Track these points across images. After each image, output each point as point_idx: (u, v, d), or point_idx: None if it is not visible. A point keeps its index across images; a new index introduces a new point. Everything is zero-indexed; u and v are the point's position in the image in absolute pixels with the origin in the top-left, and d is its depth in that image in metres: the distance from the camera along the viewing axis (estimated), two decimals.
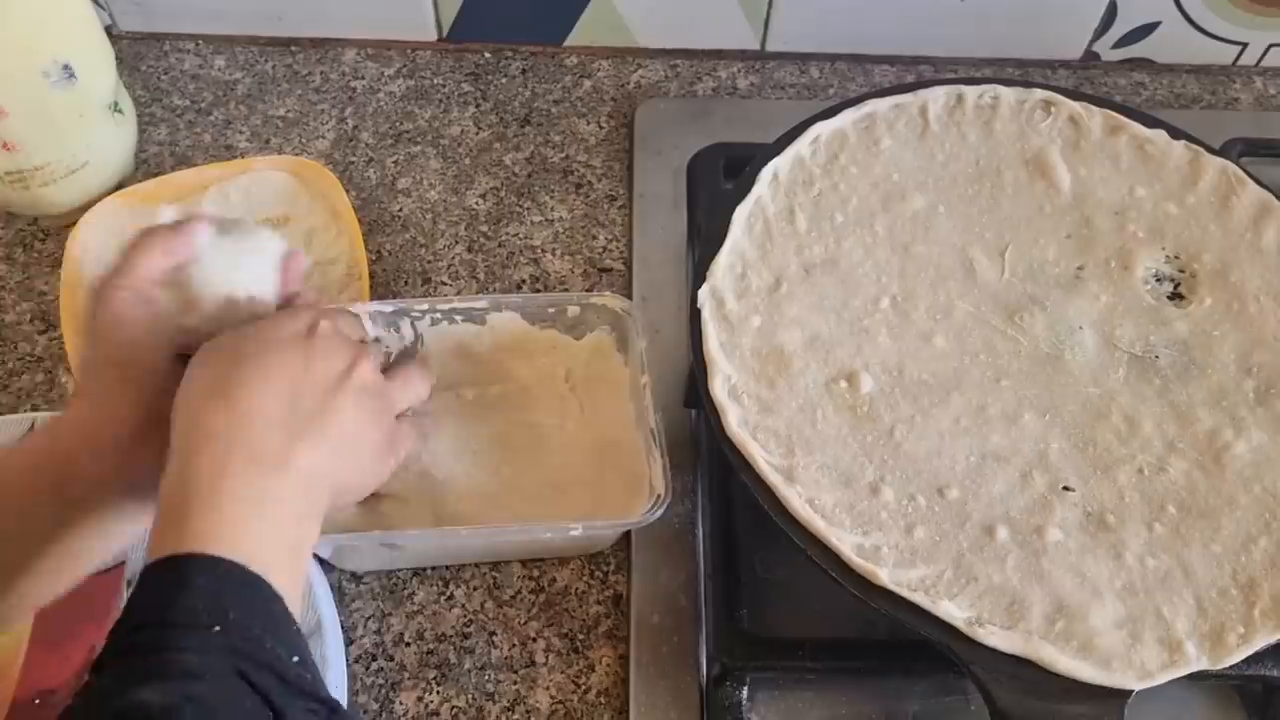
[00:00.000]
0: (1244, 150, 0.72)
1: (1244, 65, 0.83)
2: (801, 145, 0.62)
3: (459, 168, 0.76)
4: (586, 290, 0.70)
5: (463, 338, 0.61)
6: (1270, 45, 0.81)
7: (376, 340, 0.59)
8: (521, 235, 0.72)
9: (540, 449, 0.60)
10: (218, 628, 0.36)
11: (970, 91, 0.65)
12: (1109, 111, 0.64)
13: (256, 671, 0.36)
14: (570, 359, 0.62)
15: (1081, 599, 0.48)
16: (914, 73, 0.82)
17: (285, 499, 0.41)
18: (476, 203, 0.74)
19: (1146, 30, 0.80)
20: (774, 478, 0.50)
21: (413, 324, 0.60)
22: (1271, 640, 0.47)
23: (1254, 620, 0.48)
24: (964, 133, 0.64)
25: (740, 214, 0.60)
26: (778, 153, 0.62)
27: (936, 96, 0.64)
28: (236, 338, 0.45)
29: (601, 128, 0.78)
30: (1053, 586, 0.49)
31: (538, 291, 0.70)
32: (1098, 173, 0.62)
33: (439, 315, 0.60)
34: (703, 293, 0.56)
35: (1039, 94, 0.64)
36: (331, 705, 0.38)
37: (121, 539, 0.47)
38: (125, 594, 0.56)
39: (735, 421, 0.52)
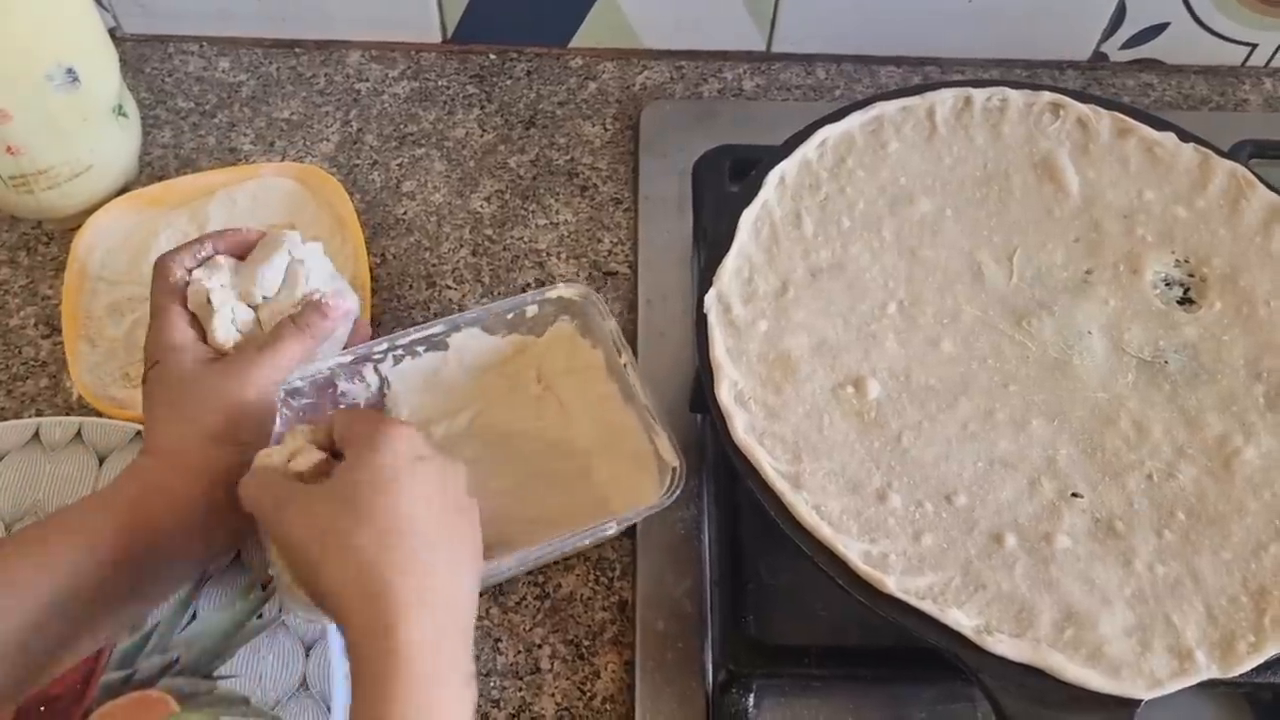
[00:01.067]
0: (1254, 152, 0.72)
1: (1253, 66, 0.82)
2: (808, 149, 0.62)
3: (463, 170, 0.76)
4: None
5: (428, 369, 0.60)
6: None
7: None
8: (526, 239, 0.72)
9: (532, 458, 0.59)
10: None
11: (978, 94, 0.64)
12: (1117, 114, 0.63)
13: None
14: (535, 358, 0.61)
15: (1090, 607, 0.48)
16: (921, 74, 0.82)
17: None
18: (481, 206, 0.74)
19: (1155, 31, 0.80)
20: (780, 484, 0.50)
21: (375, 368, 0.58)
22: None
23: (1265, 628, 0.48)
24: (972, 136, 0.63)
25: (747, 218, 0.59)
26: (784, 156, 0.61)
27: (944, 99, 0.64)
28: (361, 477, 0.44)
29: (606, 130, 0.78)
30: (1062, 594, 0.48)
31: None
32: (1106, 176, 0.62)
33: (400, 352, 0.58)
34: (709, 298, 0.56)
35: (1047, 96, 0.64)
36: None
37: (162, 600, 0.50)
38: None
39: (742, 427, 0.52)
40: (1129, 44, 0.81)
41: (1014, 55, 0.82)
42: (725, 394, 0.53)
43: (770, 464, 0.51)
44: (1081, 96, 0.65)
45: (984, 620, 0.48)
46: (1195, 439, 0.53)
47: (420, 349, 0.59)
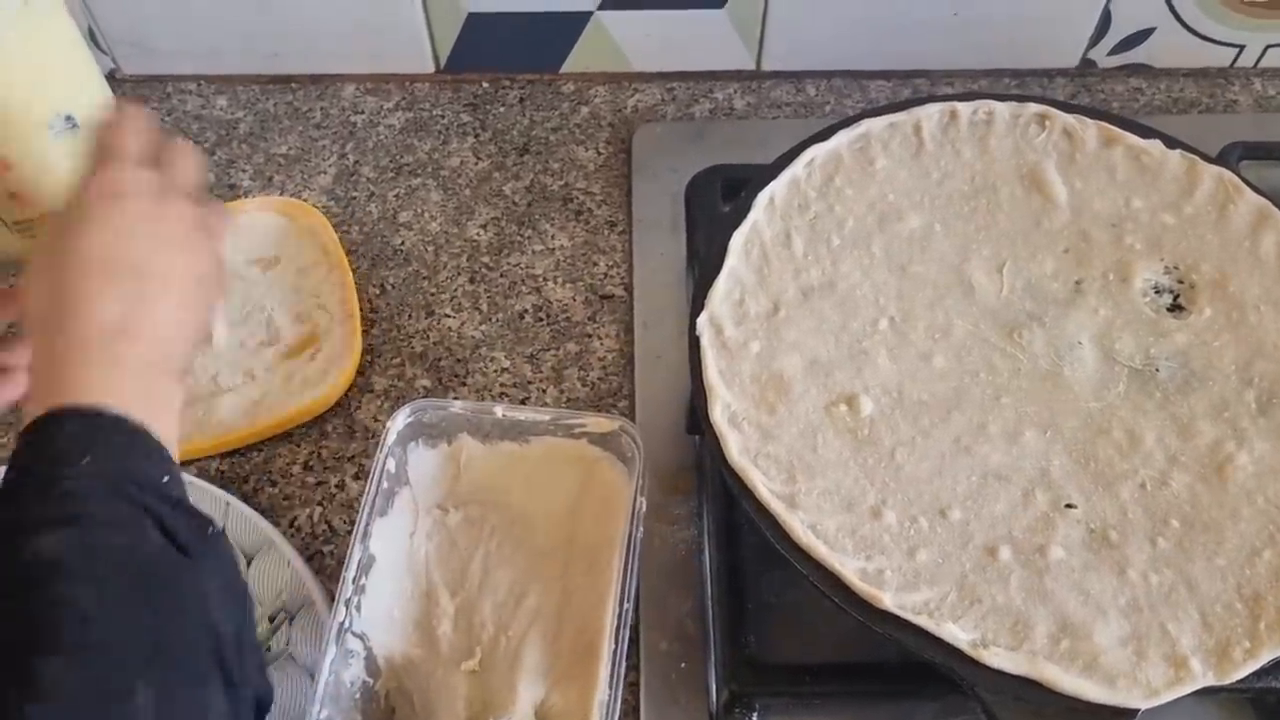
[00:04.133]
0: (1244, 154, 0.72)
1: (1242, 67, 0.83)
2: (796, 168, 0.63)
3: (459, 199, 0.77)
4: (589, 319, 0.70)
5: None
6: (1268, 46, 0.81)
7: None
8: (523, 265, 0.73)
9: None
10: (88, 458, 0.40)
11: (964, 108, 0.65)
12: (1103, 123, 0.64)
13: (132, 488, 0.41)
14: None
15: (1085, 617, 0.48)
16: (910, 87, 0.83)
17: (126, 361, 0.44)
18: (478, 233, 0.75)
19: (1142, 36, 0.80)
20: (776, 505, 0.51)
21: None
22: (1277, 653, 0.47)
23: (1260, 634, 0.48)
24: (959, 150, 0.64)
25: (737, 240, 0.60)
26: (773, 177, 0.62)
27: (930, 114, 0.65)
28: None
29: (600, 153, 0.79)
30: (1057, 605, 0.49)
31: (540, 321, 0.70)
32: (1094, 185, 0.62)
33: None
34: (701, 321, 0.57)
35: (1033, 108, 0.65)
36: (207, 519, 0.43)
37: None
38: None
39: (736, 450, 0.53)
40: (1116, 50, 0.82)
41: (1002, 65, 0.83)
42: (719, 416, 0.54)
43: (765, 485, 0.52)
44: (1068, 107, 0.65)
45: (980, 634, 0.48)
46: (1188, 446, 0.53)
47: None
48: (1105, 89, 0.83)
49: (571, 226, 0.75)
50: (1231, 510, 0.51)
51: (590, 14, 0.78)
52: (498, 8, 0.77)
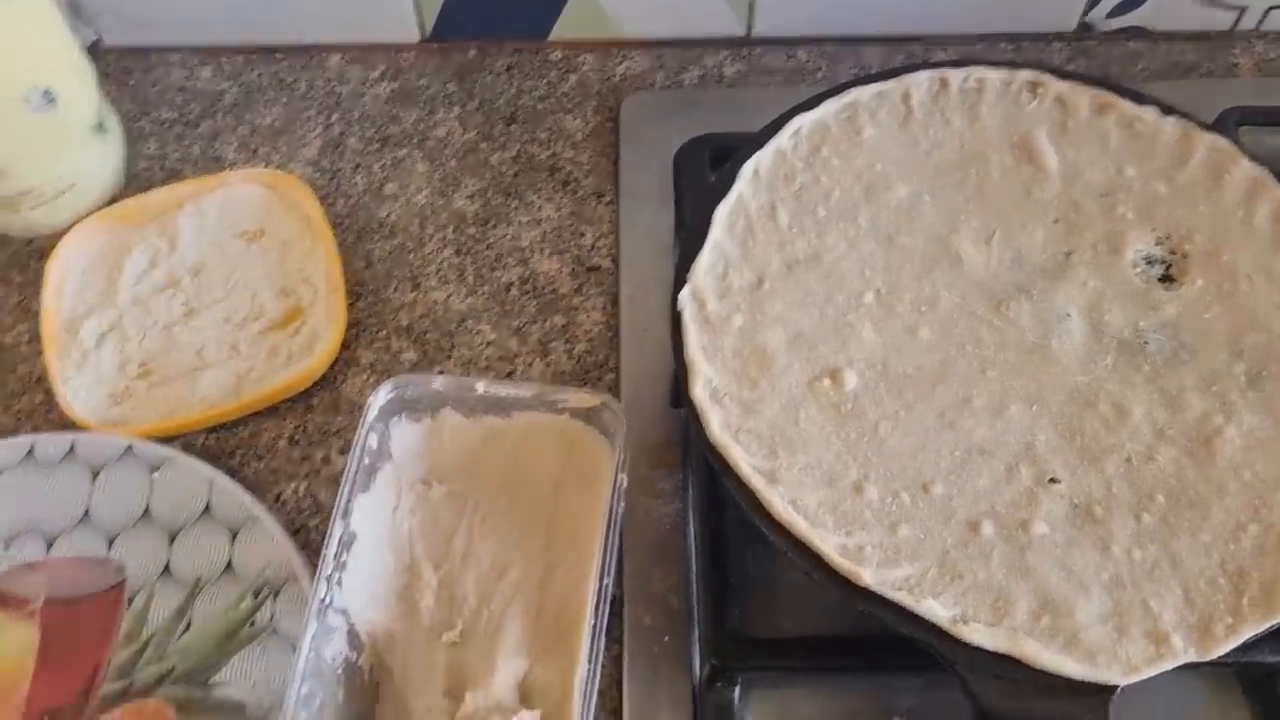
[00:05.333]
0: (1241, 119, 0.71)
1: (1244, 30, 0.81)
2: (782, 139, 0.62)
3: (445, 170, 0.76)
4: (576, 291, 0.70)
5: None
6: (1270, 8, 0.79)
7: None
8: (510, 236, 0.72)
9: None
10: None
11: (954, 75, 0.64)
12: (1097, 90, 0.63)
13: None
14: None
15: (1067, 593, 0.48)
16: (904, 52, 0.81)
17: None
18: (464, 204, 0.74)
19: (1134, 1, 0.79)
20: (756, 481, 0.50)
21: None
22: (1260, 630, 0.47)
23: (1242, 609, 0.47)
24: (948, 118, 0.63)
25: (721, 212, 0.59)
26: (759, 147, 0.61)
27: (920, 82, 0.63)
28: None
29: (588, 123, 0.78)
30: (1038, 581, 0.48)
31: (526, 293, 0.70)
32: (1086, 154, 0.61)
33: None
34: (683, 295, 0.56)
35: (1024, 74, 0.63)
36: None
37: None
38: (125, 610, 0.57)
39: (718, 425, 0.52)
40: (1115, 12, 0.80)
41: (999, 29, 0.81)
42: (700, 392, 0.53)
43: (746, 461, 0.51)
44: (1061, 73, 0.64)
45: (960, 610, 0.48)
46: (1176, 420, 0.53)
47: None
48: (1104, 53, 0.81)
49: (558, 197, 0.74)
50: (1218, 485, 0.51)
51: None
52: None
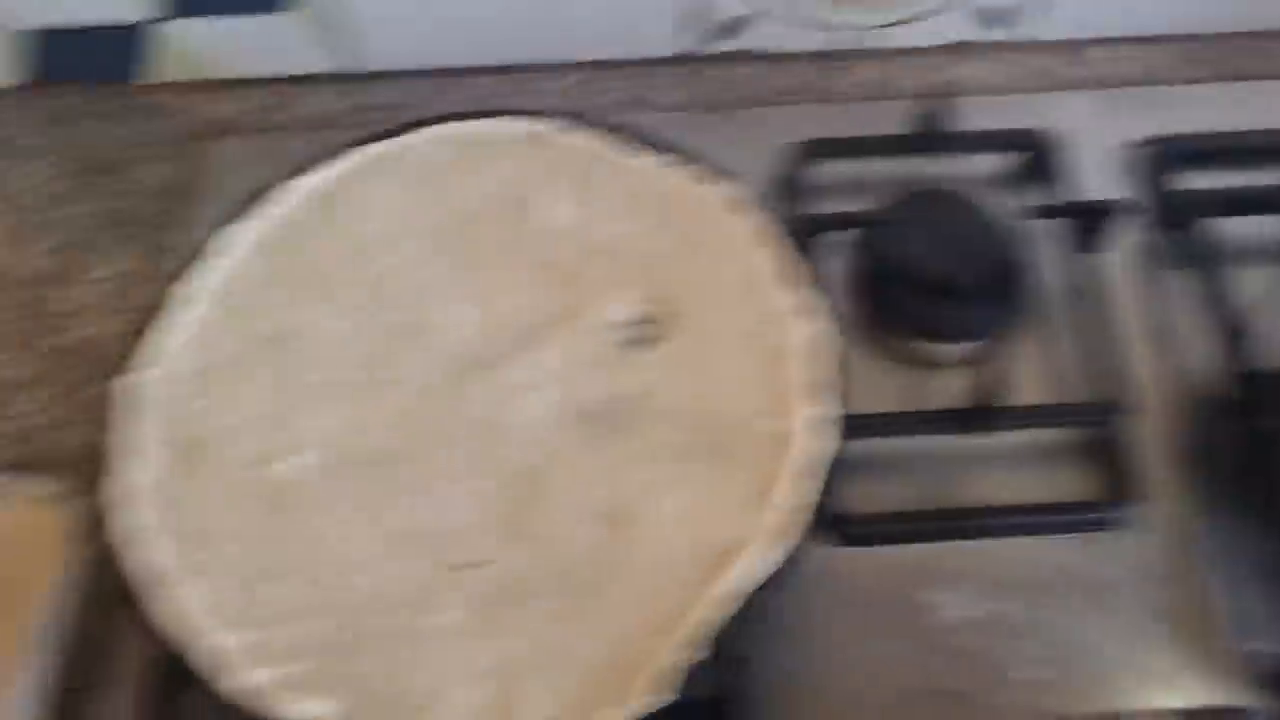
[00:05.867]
0: (815, 151, 0.70)
1: (847, 49, 0.79)
2: (278, 205, 0.60)
3: (25, 224, 0.74)
4: None
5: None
6: (878, 27, 0.78)
7: None
8: (74, 298, 0.71)
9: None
10: None
11: (460, 130, 0.62)
12: (600, 142, 0.61)
13: None
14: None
15: (459, 682, 0.48)
16: (511, 82, 0.79)
17: None
18: (40, 262, 0.72)
19: (746, 21, 0.77)
20: (145, 581, 0.49)
21: None
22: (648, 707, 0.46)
23: (633, 690, 0.47)
24: (448, 177, 0.61)
25: (203, 284, 0.58)
26: (247, 214, 0.60)
27: (421, 141, 0.62)
28: None
29: (174, 172, 0.76)
30: (434, 673, 0.48)
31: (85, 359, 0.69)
32: (584, 211, 0.60)
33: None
34: (131, 380, 0.55)
35: (526, 127, 0.62)
36: None
37: None
38: None
39: (136, 525, 0.51)
40: (721, 35, 0.78)
41: (605, 56, 0.79)
42: (122, 486, 0.52)
43: (147, 562, 0.50)
44: (577, 122, 0.62)
45: (343, 707, 0.47)
46: (611, 495, 0.52)
47: None
48: (717, 76, 0.80)
49: (136, 252, 0.73)
50: (632, 567, 0.50)
51: (148, 24, 0.75)
52: (44, 22, 0.74)
